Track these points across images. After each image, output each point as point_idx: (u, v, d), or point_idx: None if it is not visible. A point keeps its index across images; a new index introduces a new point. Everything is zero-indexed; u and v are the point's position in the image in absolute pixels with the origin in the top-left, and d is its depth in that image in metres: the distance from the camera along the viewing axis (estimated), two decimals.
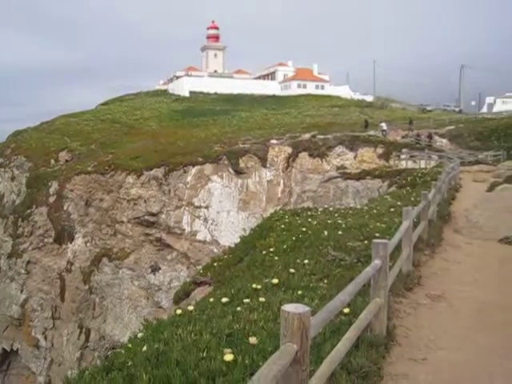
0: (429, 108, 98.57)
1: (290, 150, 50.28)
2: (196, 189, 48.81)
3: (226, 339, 6.11)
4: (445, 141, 56.48)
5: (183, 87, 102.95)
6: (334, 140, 51.44)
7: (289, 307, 3.50)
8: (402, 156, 48.32)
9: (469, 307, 8.90)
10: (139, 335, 6.93)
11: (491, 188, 27.15)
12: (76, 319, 49.70)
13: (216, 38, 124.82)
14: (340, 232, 12.80)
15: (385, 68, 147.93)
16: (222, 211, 48.21)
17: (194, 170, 49.21)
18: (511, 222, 15.45)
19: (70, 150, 63.45)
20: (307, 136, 54.56)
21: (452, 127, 61.02)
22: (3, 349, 54.56)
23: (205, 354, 5.64)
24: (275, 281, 8.71)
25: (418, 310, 8.38)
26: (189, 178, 49.07)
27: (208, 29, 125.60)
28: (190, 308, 8.00)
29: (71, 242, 52.68)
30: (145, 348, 6.01)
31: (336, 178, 46.93)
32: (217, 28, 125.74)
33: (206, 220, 48.18)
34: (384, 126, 56.13)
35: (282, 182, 49.32)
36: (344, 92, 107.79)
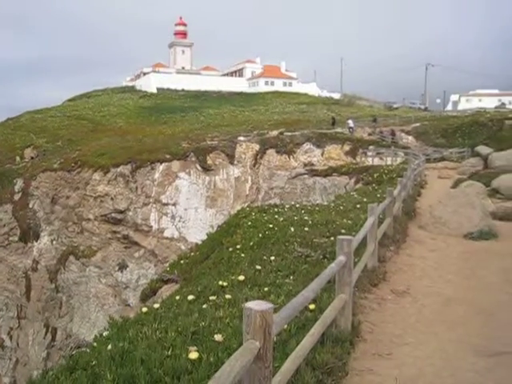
0: (395, 105, 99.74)
1: (257, 146, 50.33)
2: (163, 186, 48.53)
3: (192, 337, 6.08)
4: (411, 138, 57.16)
5: (150, 84, 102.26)
6: (302, 137, 51.65)
7: (251, 304, 3.49)
8: (369, 153, 48.74)
9: (433, 302, 9.00)
10: (104, 334, 6.86)
11: (456, 184, 27.54)
12: (42, 318, 49.00)
13: (184, 34, 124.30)
14: (306, 228, 12.84)
15: (352, 66, 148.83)
16: (190, 208, 48.05)
17: (161, 167, 48.91)
18: (475, 217, 15.68)
19: (35, 147, 62.49)
20: (275, 133, 54.69)
21: (418, 124, 61.78)
22: None
23: (170, 352, 5.61)
24: (241, 278, 8.70)
25: (383, 306, 8.44)
26: (156, 175, 48.76)
27: (176, 25, 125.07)
28: (156, 306, 7.96)
29: (37, 241, 51.89)
30: (110, 347, 5.94)
31: (303, 174, 47.14)
32: (185, 24, 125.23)
33: (173, 217, 47.96)
34: (351, 123, 56.53)
35: (249, 178, 49.35)
36: (311, 89, 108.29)
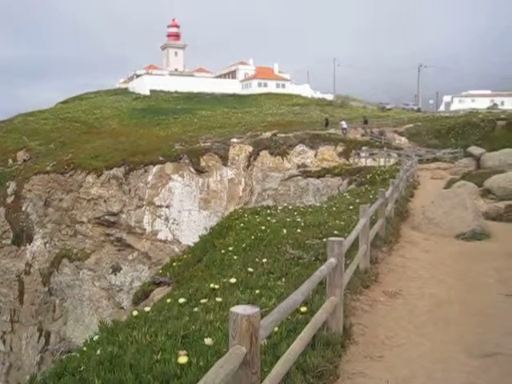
0: (388, 106, 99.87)
1: (250, 148, 50.32)
2: (157, 188, 48.47)
3: (182, 341, 6.04)
4: (403, 139, 57.30)
5: (144, 86, 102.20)
6: (295, 138, 51.68)
7: (237, 309, 3.44)
8: (362, 154, 48.78)
9: (425, 303, 8.98)
10: (95, 338, 6.80)
11: (448, 185, 27.56)
12: (35, 322, 48.82)
13: (177, 36, 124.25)
14: (299, 230, 12.81)
15: (345, 67, 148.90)
16: (183, 210, 48.02)
17: (154, 169, 48.87)
18: (467, 218, 15.68)
19: (28, 150, 62.27)
20: (268, 134, 54.70)
21: (411, 125, 61.93)
22: None
23: (159, 356, 5.56)
24: (233, 280, 8.66)
25: (374, 307, 8.41)
26: (149, 178, 48.71)
27: (169, 27, 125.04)
28: (147, 309, 7.90)
29: (30, 244, 51.74)
30: (99, 351, 5.89)
31: (297, 176, 47.15)
32: (177, 26, 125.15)
33: (167, 219, 47.91)
34: (344, 124, 56.60)
35: (243, 180, 49.35)
36: (305, 91, 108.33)
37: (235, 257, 11.38)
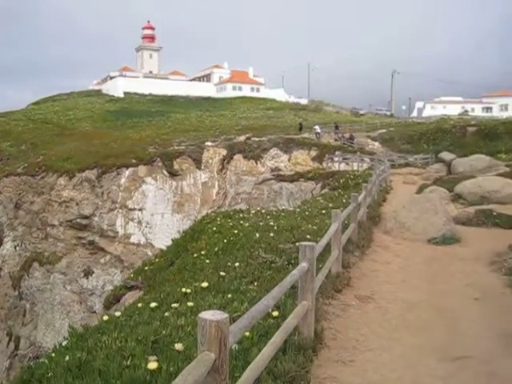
0: (361, 112, 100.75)
1: (224, 152, 50.28)
2: (130, 191, 48.13)
3: (152, 346, 5.97)
4: (376, 144, 57.74)
5: (117, 88, 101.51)
6: (269, 142, 51.77)
7: (206, 314, 3.40)
8: (335, 158, 49.04)
9: (397, 308, 9.04)
10: (64, 343, 6.71)
11: (420, 190, 27.83)
12: (5, 327, 48.04)
13: (151, 38, 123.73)
14: (272, 234, 12.79)
15: (320, 72, 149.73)
16: (157, 214, 47.75)
17: (127, 172, 48.50)
18: (438, 223, 15.85)
19: None
20: (242, 138, 54.73)
21: (384, 131, 62.51)
22: None
23: (129, 362, 5.50)
24: (205, 284, 8.61)
25: (346, 312, 8.43)
26: (122, 180, 48.33)
27: (143, 29, 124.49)
28: (118, 314, 7.82)
29: (0, 247, 51.00)
30: (67, 357, 5.80)
31: (270, 180, 47.19)
32: (152, 28, 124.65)
33: (140, 223, 47.60)
34: (318, 128, 56.86)
35: (216, 184, 49.27)
36: (279, 95, 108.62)
37: (207, 261, 11.34)
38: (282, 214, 17.48)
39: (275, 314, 6.74)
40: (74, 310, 45.55)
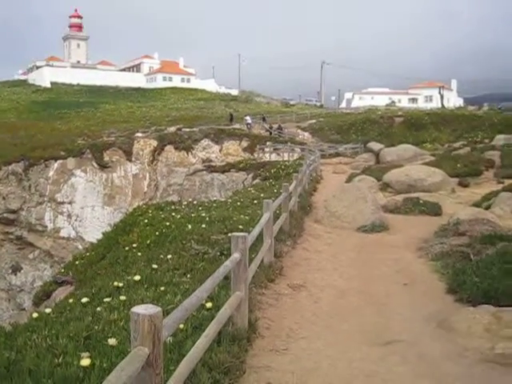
0: (292, 102, 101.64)
1: (155, 143, 49.77)
2: (59, 184, 46.97)
3: (84, 342, 5.83)
4: (307, 134, 58.45)
5: (44, 77, 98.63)
6: (200, 133, 51.61)
7: (139, 308, 3.33)
8: (266, 149, 49.30)
9: (329, 295, 9.18)
10: None
11: (349, 179, 28.39)
12: None
13: (79, 27, 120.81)
14: (204, 225, 12.75)
15: (250, 63, 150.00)
16: (87, 206, 46.84)
17: (56, 165, 47.26)
18: (367, 211, 16.18)
19: None
20: (173, 129, 54.39)
21: (313, 121, 63.33)
22: None
23: (61, 359, 5.33)
24: (137, 277, 8.49)
25: (280, 301, 8.49)
26: (51, 173, 47.07)
27: (71, 17, 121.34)
28: (48, 310, 7.61)
29: None
30: None
31: (202, 171, 47.06)
32: (80, 17, 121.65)
33: (69, 216, 46.57)
34: (249, 119, 57.03)
35: (147, 175, 48.76)
36: (210, 85, 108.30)
37: (139, 253, 11.20)
38: (214, 204, 17.46)
39: (209, 305, 6.71)
40: (2, 307, 44.18)
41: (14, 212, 46.45)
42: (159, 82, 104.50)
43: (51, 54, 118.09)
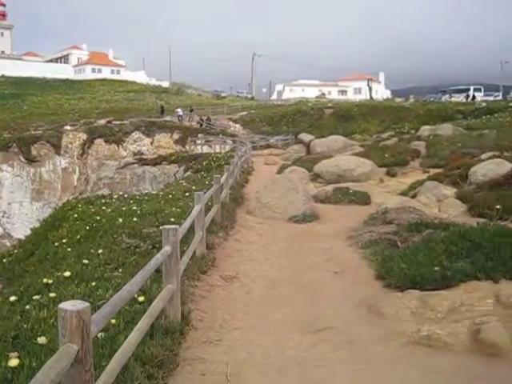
0: (223, 94, 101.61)
1: (85, 136, 48.85)
2: None
3: (13, 342, 5.68)
4: (238, 126, 58.63)
5: None
6: (131, 126, 51.02)
7: (66, 305, 3.28)
8: (198, 141, 49.19)
9: (261, 285, 9.27)
10: None
11: (281, 170, 28.65)
12: None
13: (2, 15, 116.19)
14: (135, 219, 12.62)
15: (181, 54, 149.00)
16: (14, 202, 45.54)
17: None
18: (298, 201, 16.39)
19: None
20: (103, 122, 53.50)
21: (245, 113, 63.56)
22: None
23: None
24: (67, 273, 8.33)
25: (212, 293, 8.52)
26: None
27: None
28: None
29: None
30: None
31: (133, 164, 46.54)
32: (3, 4, 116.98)
33: None
34: (180, 111, 56.72)
35: (77, 169, 47.84)
36: (140, 77, 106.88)
37: (69, 249, 11.01)
38: (146, 198, 17.31)
39: (141, 299, 6.67)
40: None
41: None
42: (88, 74, 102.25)
43: None
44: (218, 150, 43.80)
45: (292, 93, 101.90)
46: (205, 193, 10.94)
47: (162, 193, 19.06)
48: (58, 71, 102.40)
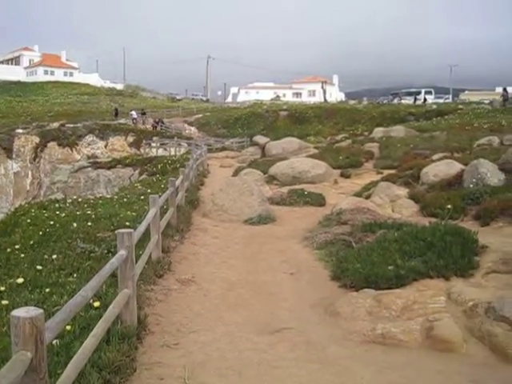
0: (178, 97, 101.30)
1: (37, 139, 48.16)
2: None
3: None
4: (193, 129, 58.55)
5: None
6: (84, 129, 50.50)
7: (19, 312, 3.23)
8: (153, 144, 48.94)
9: (217, 288, 9.28)
10: None
11: (236, 173, 28.68)
12: None
13: None
14: (90, 223, 12.49)
15: (136, 57, 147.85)
16: None
17: None
18: (254, 204, 16.44)
19: None
20: (56, 125, 52.80)
21: (200, 116, 63.48)
22: None
23: None
24: (20, 280, 8.19)
25: (169, 296, 8.49)
26: None
27: None
28: None
29: None
30: None
31: (87, 167, 45.98)
32: None
33: None
34: (134, 114, 56.37)
35: (30, 173, 47.10)
36: (94, 80, 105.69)
37: (22, 255, 10.77)
38: (100, 201, 17.12)
39: (97, 304, 6.63)
40: None
41: None
42: (40, 76, 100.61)
43: None
44: (173, 153, 43.63)
45: (247, 95, 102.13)
46: (160, 196, 10.89)
47: (116, 196, 18.89)
48: (8, 73, 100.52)
